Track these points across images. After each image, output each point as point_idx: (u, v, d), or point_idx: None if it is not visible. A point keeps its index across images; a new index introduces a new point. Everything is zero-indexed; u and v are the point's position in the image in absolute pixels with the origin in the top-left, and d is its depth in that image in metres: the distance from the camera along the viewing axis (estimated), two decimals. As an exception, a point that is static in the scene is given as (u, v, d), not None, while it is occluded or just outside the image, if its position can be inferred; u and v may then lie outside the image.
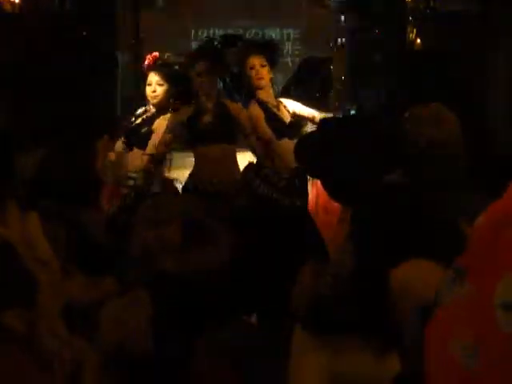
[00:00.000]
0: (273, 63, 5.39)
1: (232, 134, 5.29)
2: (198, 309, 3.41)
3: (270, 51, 5.44)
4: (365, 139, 2.83)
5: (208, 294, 3.42)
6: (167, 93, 5.42)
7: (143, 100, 5.71)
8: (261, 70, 5.31)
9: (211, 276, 3.50)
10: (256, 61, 5.30)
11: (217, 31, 8.64)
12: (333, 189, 2.96)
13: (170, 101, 5.43)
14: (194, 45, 8.60)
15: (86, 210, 3.88)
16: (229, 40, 5.56)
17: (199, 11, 8.37)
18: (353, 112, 8.01)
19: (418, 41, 7.90)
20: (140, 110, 5.60)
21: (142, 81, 5.68)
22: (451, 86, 6.94)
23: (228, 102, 5.31)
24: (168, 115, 5.37)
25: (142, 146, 5.42)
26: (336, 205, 4.00)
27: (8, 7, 7.75)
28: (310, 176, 4.66)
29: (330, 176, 2.91)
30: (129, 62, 8.33)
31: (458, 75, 7.29)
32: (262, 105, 5.29)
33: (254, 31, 8.38)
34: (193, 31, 8.65)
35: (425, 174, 2.90)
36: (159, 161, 5.37)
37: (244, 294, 3.48)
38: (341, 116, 7.42)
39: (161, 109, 5.44)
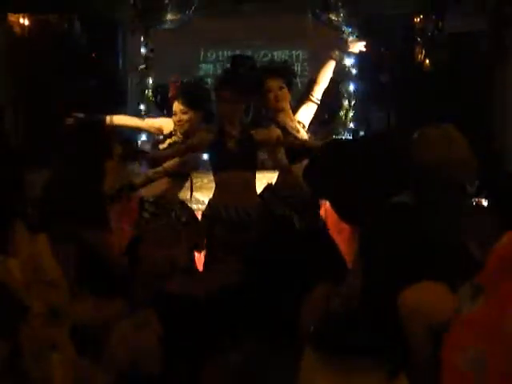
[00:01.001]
0: (290, 85, 5.39)
1: (254, 162, 5.21)
2: (206, 330, 3.40)
3: (287, 73, 5.44)
4: (372, 161, 2.83)
5: (218, 314, 3.41)
6: (192, 120, 5.39)
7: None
8: (279, 93, 5.30)
9: (221, 297, 3.50)
10: (274, 83, 5.30)
11: (226, 52, 8.65)
12: (340, 209, 2.96)
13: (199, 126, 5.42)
14: (203, 66, 8.62)
15: (94, 230, 3.88)
16: (239, 61, 5.54)
17: (208, 32, 8.38)
18: (362, 133, 8.00)
19: (427, 61, 7.90)
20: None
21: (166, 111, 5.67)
22: (460, 107, 6.94)
23: (254, 131, 5.18)
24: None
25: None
26: (345, 225, 4.00)
27: (18, 30, 7.81)
28: (318, 197, 4.64)
29: (338, 197, 2.91)
30: (138, 82, 8.34)
31: (466, 95, 7.29)
32: (281, 128, 5.26)
33: (263, 52, 8.39)
34: (202, 52, 8.66)
35: (434, 195, 2.88)
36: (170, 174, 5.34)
37: (255, 315, 3.46)
38: (349, 137, 7.43)
39: (188, 136, 5.39)
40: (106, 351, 3.09)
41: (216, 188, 5.23)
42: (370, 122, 8.23)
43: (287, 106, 5.39)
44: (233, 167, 5.08)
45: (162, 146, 5.52)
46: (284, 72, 5.43)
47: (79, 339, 2.89)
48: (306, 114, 5.50)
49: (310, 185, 3.04)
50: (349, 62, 8.19)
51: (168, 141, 5.50)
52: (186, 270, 3.81)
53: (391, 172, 2.83)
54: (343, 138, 7.50)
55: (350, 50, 5.81)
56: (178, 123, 5.42)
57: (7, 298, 2.52)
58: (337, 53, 5.66)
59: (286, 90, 5.34)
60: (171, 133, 5.49)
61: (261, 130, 5.17)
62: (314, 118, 5.64)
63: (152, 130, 5.73)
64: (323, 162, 2.99)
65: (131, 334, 3.17)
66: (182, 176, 5.45)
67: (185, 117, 5.39)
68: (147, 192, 5.39)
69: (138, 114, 8.35)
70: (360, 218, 2.82)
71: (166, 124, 5.58)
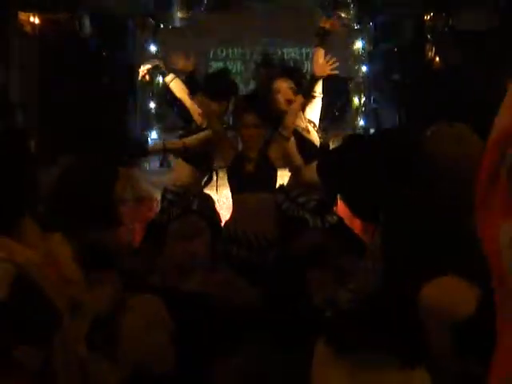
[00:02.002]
0: (299, 86, 5.37)
1: (271, 184, 5.18)
2: (216, 329, 3.41)
3: (297, 74, 5.42)
4: (386, 157, 2.83)
5: (229, 315, 3.42)
6: (216, 112, 5.37)
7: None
8: (289, 93, 5.29)
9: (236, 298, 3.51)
10: (283, 84, 5.29)
11: (236, 50, 8.66)
12: (353, 204, 2.96)
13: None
14: (213, 64, 8.63)
15: (104, 228, 3.87)
16: (267, 60, 5.55)
17: (218, 30, 8.39)
18: (372, 130, 8.00)
19: (437, 59, 7.89)
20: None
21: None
22: (471, 104, 6.92)
23: (269, 150, 5.16)
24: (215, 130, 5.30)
25: (189, 160, 5.46)
26: (356, 222, 3.99)
27: (28, 28, 7.83)
28: (331, 191, 4.62)
29: (351, 191, 2.91)
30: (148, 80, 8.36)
31: (477, 93, 7.27)
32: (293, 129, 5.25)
33: (272, 50, 8.39)
34: (212, 50, 8.67)
35: (446, 193, 2.88)
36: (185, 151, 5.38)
37: (262, 317, 3.47)
38: (360, 133, 7.43)
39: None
40: (118, 349, 3.10)
41: (234, 210, 5.21)
42: (380, 119, 8.23)
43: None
44: (251, 190, 5.06)
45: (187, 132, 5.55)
46: (294, 73, 5.43)
47: (92, 336, 2.90)
48: (313, 110, 5.49)
49: (323, 178, 3.04)
50: (359, 59, 8.20)
51: (193, 129, 5.52)
52: (205, 265, 3.83)
53: (404, 169, 2.83)
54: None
55: (322, 25, 5.67)
56: (202, 114, 5.44)
57: (45, 304, 2.52)
58: (319, 37, 5.61)
59: (295, 90, 5.33)
60: (199, 126, 5.50)
61: (274, 147, 5.14)
62: (323, 115, 5.64)
63: (194, 114, 5.70)
64: (337, 156, 2.99)
65: (142, 331, 3.18)
66: (203, 168, 5.46)
67: (208, 109, 5.40)
68: (171, 182, 5.49)
69: (147, 111, 8.40)
70: (372, 213, 2.82)
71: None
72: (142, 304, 3.25)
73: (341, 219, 5.01)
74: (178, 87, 5.69)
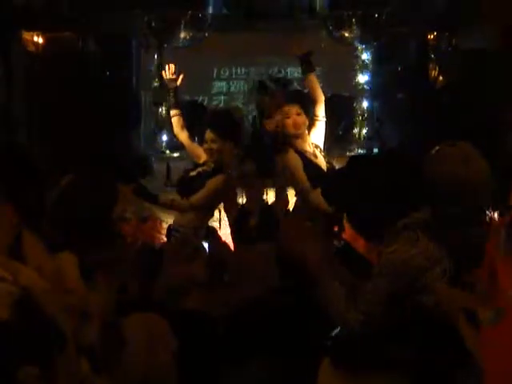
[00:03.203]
0: (307, 111, 5.36)
1: (274, 235, 5.17)
2: (222, 345, 3.39)
3: (304, 99, 5.41)
4: (391, 177, 2.82)
5: (233, 331, 3.41)
6: (221, 149, 5.34)
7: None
8: (297, 119, 5.28)
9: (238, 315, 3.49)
10: (292, 109, 5.28)
11: (239, 70, 8.69)
12: (357, 224, 2.95)
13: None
14: (217, 84, 8.66)
15: (105, 246, 3.87)
16: (281, 82, 5.52)
17: (221, 50, 8.41)
18: (376, 150, 8.01)
19: (441, 78, 7.91)
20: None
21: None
22: (475, 123, 6.92)
23: (274, 202, 5.21)
24: (223, 176, 5.32)
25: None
26: (361, 242, 3.97)
27: (32, 48, 7.86)
28: (337, 210, 4.62)
29: (354, 212, 2.90)
30: (151, 99, 8.40)
31: (481, 112, 7.27)
32: (300, 154, 5.25)
33: (276, 69, 8.41)
34: (215, 69, 8.69)
35: (451, 213, 2.87)
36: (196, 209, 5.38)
37: (270, 332, 3.46)
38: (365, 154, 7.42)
39: (218, 165, 5.38)
40: (121, 367, 3.08)
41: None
42: (384, 138, 8.24)
43: (305, 132, 5.36)
44: (253, 243, 5.03)
45: (191, 174, 5.52)
46: (301, 98, 5.42)
47: (93, 354, 2.89)
48: (317, 135, 5.48)
49: (328, 198, 3.04)
50: (363, 79, 8.23)
51: (198, 169, 5.51)
52: (203, 286, 3.81)
53: (409, 189, 2.82)
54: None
55: (294, 52, 5.65)
56: (207, 151, 5.43)
57: (48, 326, 2.50)
58: (306, 63, 5.59)
59: (303, 116, 5.32)
60: (204, 162, 5.50)
61: (277, 197, 5.17)
62: (328, 135, 5.64)
63: (189, 151, 5.73)
64: (343, 176, 2.98)
65: (145, 348, 3.17)
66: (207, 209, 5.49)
67: (214, 146, 5.38)
68: (175, 221, 5.49)
69: (151, 130, 8.43)
70: (376, 233, 2.82)
71: (203, 154, 5.57)
72: (145, 322, 3.24)
73: (347, 243, 4.99)
74: (178, 125, 5.70)
